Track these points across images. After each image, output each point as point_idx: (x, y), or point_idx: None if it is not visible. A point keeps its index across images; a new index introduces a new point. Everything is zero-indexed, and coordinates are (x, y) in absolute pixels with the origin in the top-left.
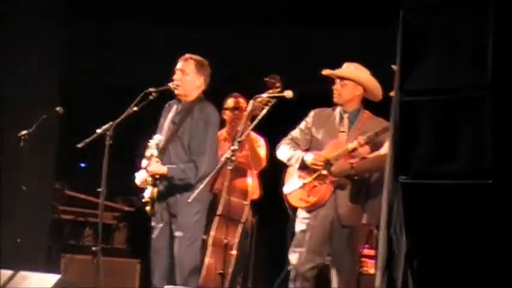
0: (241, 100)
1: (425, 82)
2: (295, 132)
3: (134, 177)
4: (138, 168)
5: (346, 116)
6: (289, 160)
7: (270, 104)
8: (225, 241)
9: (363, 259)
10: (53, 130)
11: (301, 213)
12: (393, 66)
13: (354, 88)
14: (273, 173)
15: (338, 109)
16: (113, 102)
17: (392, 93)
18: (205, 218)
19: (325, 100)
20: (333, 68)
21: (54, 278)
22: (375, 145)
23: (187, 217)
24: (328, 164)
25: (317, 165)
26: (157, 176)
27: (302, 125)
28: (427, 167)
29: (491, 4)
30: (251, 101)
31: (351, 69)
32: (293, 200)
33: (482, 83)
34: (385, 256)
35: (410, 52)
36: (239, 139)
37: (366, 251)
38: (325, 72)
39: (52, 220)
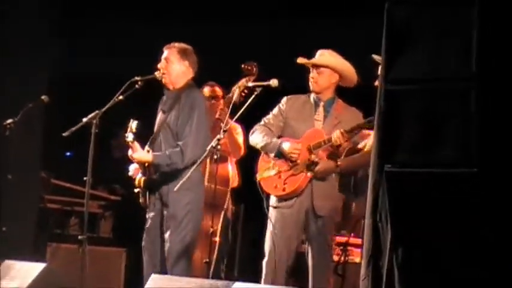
0: (217, 89)
1: (411, 72)
2: (269, 118)
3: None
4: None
5: (321, 104)
6: (264, 147)
7: (255, 91)
8: (211, 229)
9: (349, 248)
10: (38, 119)
11: (275, 201)
12: (374, 56)
13: (330, 75)
14: (253, 162)
15: (312, 96)
16: (99, 92)
17: (376, 83)
18: (201, 208)
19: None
20: (308, 57)
21: (40, 266)
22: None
23: (179, 207)
24: (312, 163)
25: (295, 154)
26: (146, 164)
27: (275, 111)
28: (412, 155)
29: None
30: (234, 89)
31: (327, 57)
32: (267, 187)
33: (467, 72)
34: (370, 244)
35: (395, 42)
36: (224, 128)
37: (352, 240)
38: (301, 60)
39: (38, 209)
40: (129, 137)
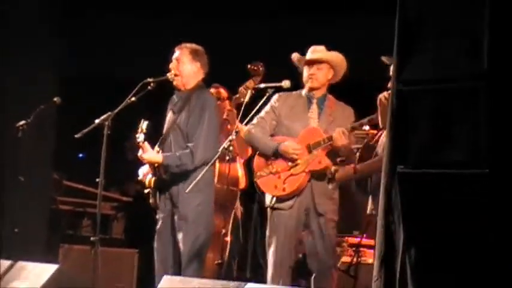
0: (222, 90)
1: (423, 72)
2: (262, 117)
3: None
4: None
5: (314, 101)
6: (262, 148)
7: (267, 93)
8: (223, 231)
9: (362, 249)
10: (51, 120)
11: (274, 202)
12: (383, 58)
13: (328, 71)
14: None
15: (305, 93)
16: (112, 94)
17: (389, 85)
18: (211, 209)
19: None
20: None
21: (52, 268)
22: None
23: (189, 208)
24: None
25: (296, 154)
26: (156, 165)
27: (268, 109)
28: (424, 156)
29: None
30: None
31: (327, 53)
32: (266, 187)
33: (479, 72)
34: (382, 245)
35: (407, 42)
36: (236, 129)
37: (365, 241)
38: (309, 56)
39: (50, 210)
40: (140, 137)
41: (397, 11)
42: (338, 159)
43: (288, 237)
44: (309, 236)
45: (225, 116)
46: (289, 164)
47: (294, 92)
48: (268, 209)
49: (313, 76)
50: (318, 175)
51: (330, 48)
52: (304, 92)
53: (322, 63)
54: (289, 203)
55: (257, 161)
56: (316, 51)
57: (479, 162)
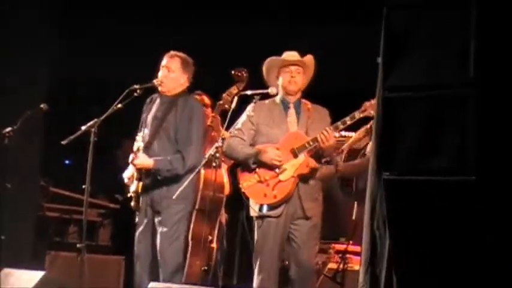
0: (205, 98)
1: (409, 78)
2: (239, 129)
3: (119, 175)
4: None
5: (291, 105)
6: (243, 159)
7: (254, 99)
8: (210, 237)
9: (348, 255)
10: (37, 127)
11: (264, 210)
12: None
13: (303, 75)
14: None
15: (279, 99)
16: (97, 100)
17: None
18: (190, 215)
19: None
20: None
21: (38, 274)
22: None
23: (171, 214)
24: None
25: (277, 160)
26: (144, 170)
27: (244, 119)
28: (410, 163)
29: (474, 1)
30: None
31: (307, 57)
32: (255, 196)
33: (465, 79)
34: (368, 252)
35: (393, 49)
36: (222, 136)
37: (351, 247)
38: (293, 57)
39: (37, 217)
40: (140, 145)
41: (384, 15)
42: (323, 160)
43: (277, 245)
44: (292, 242)
45: (209, 123)
46: (276, 170)
47: (267, 100)
48: (255, 217)
49: (292, 79)
50: (304, 178)
51: (301, 54)
52: (278, 98)
53: (300, 66)
54: (278, 210)
55: (241, 171)
56: (293, 56)
57: (465, 169)
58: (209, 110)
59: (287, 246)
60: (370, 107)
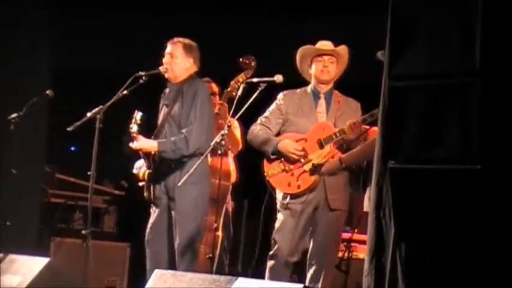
0: (213, 85)
1: (414, 68)
2: (266, 117)
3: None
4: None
5: (322, 96)
6: (263, 147)
7: (259, 87)
8: (215, 225)
9: (353, 244)
10: (43, 113)
11: (287, 199)
12: (379, 55)
13: (336, 66)
14: (253, 157)
15: (310, 89)
16: (104, 87)
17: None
18: (207, 202)
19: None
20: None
21: (43, 261)
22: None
23: (186, 201)
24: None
25: (295, 154)
26: (152, 155)
27: (273, 108)
28: (415, 152)
29: None
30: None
31: (341, 47)
32: (279, 185)
33: (470, 68)
34: (373, 241)
35: (399, 38)
36: (228, 124)
37: (356, 236)
38: (328, 46)
39: (42, 203)
40: (134, 128)
41: (390, 4)
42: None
43: (297, 234)
44: (314, 233)
45: (216, 111)
46: (302, 160)
47: (298, 90)
48: (280, 206)
49: (325, 69)
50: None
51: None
52: (310, 88)
53: (333, 56)
54: (301, 199)
55: (267, 159)
56: (327, 45)
57: (470, 158)
58: (217, 97)
59: (309, 236)
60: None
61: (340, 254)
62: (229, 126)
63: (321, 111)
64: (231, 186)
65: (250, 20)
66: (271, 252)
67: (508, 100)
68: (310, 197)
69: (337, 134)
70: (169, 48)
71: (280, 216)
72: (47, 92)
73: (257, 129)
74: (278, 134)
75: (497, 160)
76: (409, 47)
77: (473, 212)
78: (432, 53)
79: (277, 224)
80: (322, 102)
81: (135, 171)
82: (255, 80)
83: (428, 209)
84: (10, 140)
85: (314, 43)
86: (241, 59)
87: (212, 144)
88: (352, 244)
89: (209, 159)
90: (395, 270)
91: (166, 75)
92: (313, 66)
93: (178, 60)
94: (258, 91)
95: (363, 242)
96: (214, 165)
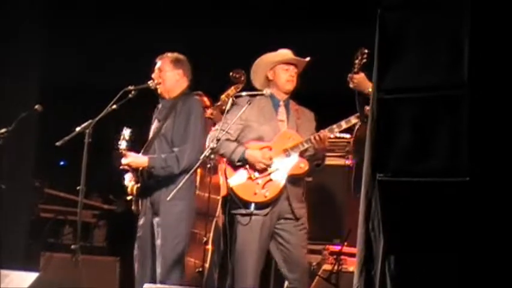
0: (205, 99)
1: (403, 80)
2: (226, 122)
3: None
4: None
5: (282, 104)
6: (229, 154)
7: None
8: (204, 238)
9: (343, 256)
10: (32, 128)
11: (251, 208)
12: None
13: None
14: None
15: (269, 97)
16: (93, 102)
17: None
18: (190, 216)
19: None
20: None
21: (33, 276)
22: None
23: (171, 216)
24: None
25: (263, 163)
26: (140, 170)
27: (231, 113)
28: (404, 164)
29: (468, 3)
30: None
31: (307, 60)
32: (245, 194)
33: (459, 81)
34: (363, 254)
35: (387, 50)
36: (217, 138)
37: (346, 249)
38: (297, 58)
39: (32, 218)
40: (122, 145)
41: (378, 17)
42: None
43: (262, 244)
44: (282, 244)
45: (208, 115)
46: (268, 169)
47: (257, 96)
48: (241, 215)
49: (291, 78)
50: (293, 179)
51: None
52: (267, 94)
53: (296, 66)
54: (266, 210)
55: (227, 167)
56: (291, 54)
57: (459, 170)
58: (209, 111)
59: (274, 247)
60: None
61: (329, 267)
62: (218, 140)
63: (282, 119)
64: (220, 200)
65: (241, 34)
66: (238, 265)
67: (495, 113)
68: (273, 207)
69: (305, 144)
70: (158, 63)
71: (242, 226)
72: (36, 106)
73: (218, 136)
74: (237, 140)
75: (486, 173)
76: (398, 60)
77: (462, 225)
78: (421, 66)
79: (239, 235)
80: (282, 110)
81: (126, 182)
82: (243, 93)
83: (417, 222)
84: None
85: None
86: (231, 73)
87: (201, 158)
88: (342, 257)
89: (198, 172)
90: (385, 283)
91: (158, 90)
92: (278, 74)
93: (167, 74)
94: (245, 106)
95: (352, 255)
96: (204, 179)
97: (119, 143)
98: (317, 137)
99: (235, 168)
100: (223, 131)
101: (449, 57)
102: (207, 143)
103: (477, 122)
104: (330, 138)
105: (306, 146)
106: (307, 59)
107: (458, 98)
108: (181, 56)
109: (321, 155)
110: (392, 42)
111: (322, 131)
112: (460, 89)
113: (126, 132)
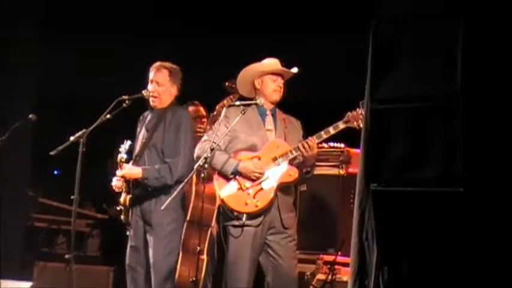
0: (201, 108)
1: (396, 90)
2: (215, 134)
3: (108, 184)
4: (108, 177)
5: (269, 113)
6: (220, 165)
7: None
8: (198, 248)
9: (337, 266)
10: (26, 137)
11: (243, 219)
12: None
13: None
14: None
15: (255, 106)
16: (87, 111)
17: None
18: (182, 226)
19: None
20: None
21: (26, 285)
22: None
23: (162, 225)
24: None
25: (257, 173)
26: (132, 183)
27: (221, 124)
28: (398, 174)
29: (461, 15)
30: (218, 107)
31: (295, 70)
32: (236, 205)
33: (452, 91)
34: (356, 263)
35: (381, 61)
36: (211, 147)
37: (340, 258)
38: (286, 70)
39: (25, 227)
40: (124, 157)
41: (372, 28)
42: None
43: (255, 255)
44: (271, 255)
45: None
46: (260, 178)
47: (242, 106)
48: (233, 226)
49: (280, 89)
50: (282, 188)
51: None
52: (262, 104)
53: (283, 77)
54: (258, 220)
55: (218, 178)
56: (279, 65)
57: (453, 180)
58: (205, 120)
59: (264, 258)
60: (353, 118)
61: (323, 277)
62: (212, 149)
63: (269, 128)
64: (215, 210)
65: (236, 44)
66: (230, 276)
67: (489, 123)
68: (265, 217)
69: (293, 152)
70: (153, 75)
71: (234, 238)
72: (30, 116)
73: (208, 146)
74: (225, 151)
75: (480, 182)
76: (391, 71)
77: (456, 234)
78: (414, 76)
79: (231, 246)
80: (270, 119)
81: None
82: (237, 103)
83: (411, 232)
84: None
85: (290, 66)
86: (226, 83)
87: (195, 167)
88: (336, 267)
89: (194, 182)
90: None
91: (151, 102)
92: (265, 84)
93: (164, 88)
94: (240, 115)
95: (346, 265)
96: (198, 189)
97: (120, 156)
98: (305, 145)
99: (225, 178)
100: (215, 143)
101: (442, 67)
102: (195, 154)
103: (470, 132)
104: (324, 148)
105: (295, 153)
106: (295, 69)
107: (451, 108)
108: (176, 68)
109: (311, 163)
110: (385, 53)
111: (310, 138)
112: (453, 99)
113: (127, 145)
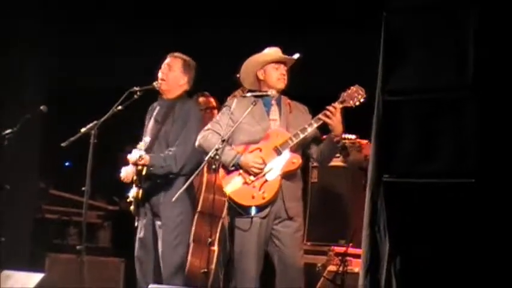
0: (212, 99)
1: (408, 82)
2: (218, 123)
3: (118, 176)
4: (119, 169)
5: (274, 102)
6: (222, 157)
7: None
8: (209, 239)
9: (348, 258)
10: (37, 129)
11: (251, 212)
12: None
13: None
14: None
15: (273, 96)
16: (98, 103)
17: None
18: (191, 218)
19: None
20: None
21: (38, 276)
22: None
23: (171, 218)
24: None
25: (256, 167)
26: (142, 174)
27: (224, 114)
28: (410, 165)
29: (473, 6)
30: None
31: (296, 57)
32: (243, 199)
33: (463, 83)
34: (368, 255)
35: (392, 53)
36: (223, 138)
37: (352, 250)
38: (288, 57)
39: (36, 219)
40: (143, 154)
41: (383, 20)
42: (335, 140)
43: (261, 246)
44: (276, 245)
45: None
46: (264, 170)
47: (248, 96)
48: (238, 217)
49: (284, 77)
50: (287, 177)
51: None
52: (274, 95)
53: (286, 65)
54: (265, 211)
55: (222, 172)
56: (280, 53)
57: (464, 171)
58: (215, 111)
59: (271, 247)
60: (348, 96)
61: (334, 268)
62: (223, 141)
63: (274, 118)
64: (226, 201)
65: (248, 36)
66: (237, 267)
67: (501, 114)
68: (271, 208)
69: (293, 139)
70: (168, 60)
71: (241, 231)
72: (41, 107)
73: (211, 137)
74: (228, 141)
75: (492, 174)
76: (403, 62)
77: (468, 226)
78: (425, 68)
79: (237, 239)
80: (275, 108)
81: (122, 174)
82: (248, 94)
83: (423, 223)
84: (4, 155)
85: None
86: (238, 75)
87: (206, 158)
88: (347, 258)
89: (205, 174)
90: (390, 285)
91: (160, 87)
92: (268, 73)
93: (175, 74)
94: (250, 107)
95: (357, 256)
96: (209, 180)
97: (140, 153)
98: (327, 112)
99: (229, 172)
100: (220, 135)
101: (454, 59)
102: (197, 142)
103: (483, 124)
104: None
105: (295, 140)
106: (296, 55)
107: (463, 99)
108: (192, 61)
109: (339, 131)
110: (397, 44)
111: (332, 104)
112: (465, 90)
113: (146, 140)
